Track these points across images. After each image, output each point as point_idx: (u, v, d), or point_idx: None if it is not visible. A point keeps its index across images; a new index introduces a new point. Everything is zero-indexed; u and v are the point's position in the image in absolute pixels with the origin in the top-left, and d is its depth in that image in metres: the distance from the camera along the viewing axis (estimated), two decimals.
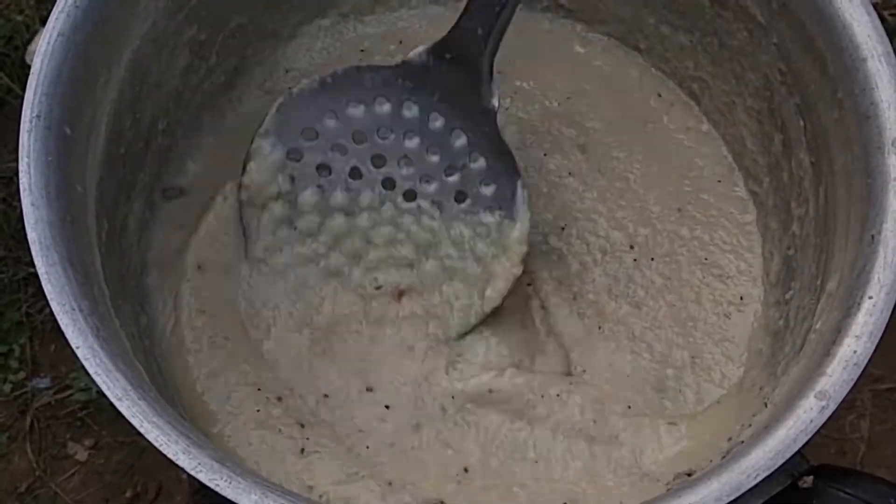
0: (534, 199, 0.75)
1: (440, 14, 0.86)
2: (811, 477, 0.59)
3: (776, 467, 0.55)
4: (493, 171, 0.70)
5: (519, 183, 0.70)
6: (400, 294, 0.74)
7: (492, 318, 0.73)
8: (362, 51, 0.84)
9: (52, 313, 0.56)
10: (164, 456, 0.54)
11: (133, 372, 0.57)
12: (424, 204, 0.73)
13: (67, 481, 1.12)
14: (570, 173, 0.79)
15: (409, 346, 0.73)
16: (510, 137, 0.78)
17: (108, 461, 1.13)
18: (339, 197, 0.73)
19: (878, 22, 0.64)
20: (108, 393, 0.54)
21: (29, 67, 0.62)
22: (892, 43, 0.64)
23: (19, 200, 0.59)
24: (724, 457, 0.61)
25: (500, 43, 0.68)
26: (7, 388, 1.15)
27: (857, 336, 0.58)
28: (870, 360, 0.57)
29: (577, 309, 0.76)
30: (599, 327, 0.75)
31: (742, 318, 0.76)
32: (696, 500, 0.54)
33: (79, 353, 0.55)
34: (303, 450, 0.69)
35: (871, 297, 0.58)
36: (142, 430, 0.53)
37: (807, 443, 0.56)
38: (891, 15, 1.32)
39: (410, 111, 0.71)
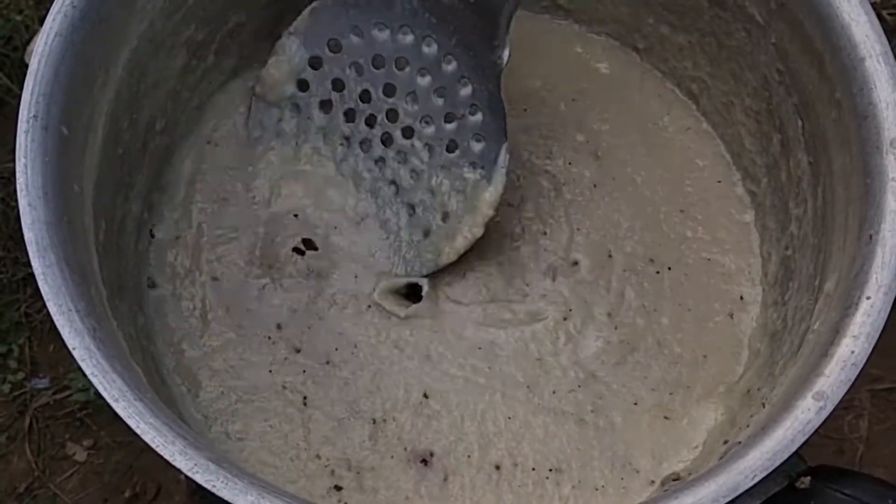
0: (554, 209, 0.78)
1: None
2: (809, 478, 0.59)
3: (774, 468, 0.55)
4: (487, 129, 0.72)
5: (504, 146, 0.71)
6: (361, 220, 0.77)
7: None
8: None
9: (50, 313, 0.56)
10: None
11: (130, 373, 0.57)
12: (418, 144, 0.75)
13: (66, 481, 1.12)
14: (594, 185, 0.80)
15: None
16: (533, 145, 0.80)
17: (107, 461, 1.13)
18: (341, 117, 0.76)
19: (876, 22, 0.64)
20: (104, 394, 0.54)
21: (29, 65, 0.62)
22: (890, 42, 0.64)
23: (18, 200, 0.59)
24: (721, 457, 0.61)
25: (520, 3, 0.69)
26: (6, 388, 1.15)
27: (854, 336, 0.58)
28: (868, 360, 0.57)
29: (592, 311, 0.76)
30: (616, 327, 0.75)
31: (744, 317, 0.76)
32: (694, 500, 0.54)
33: (75, 354, 0.55)
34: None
35: (868, 298, 0.58)
36: (138, 432, 0.53)
37: (804, 443, 0.56)
38: (889, 14, 1.32)
39: (429, 48, 0.72)
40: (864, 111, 0.63)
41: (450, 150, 0.74)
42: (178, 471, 0.54)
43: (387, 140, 0.76)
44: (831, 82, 0.66)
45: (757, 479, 0.55)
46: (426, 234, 0.75)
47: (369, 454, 0.70)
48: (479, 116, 0.72)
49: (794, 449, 0.55)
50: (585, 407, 0.72)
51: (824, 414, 0.56)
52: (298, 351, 0.73)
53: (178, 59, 0.75)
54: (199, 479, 0.53)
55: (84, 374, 0.55)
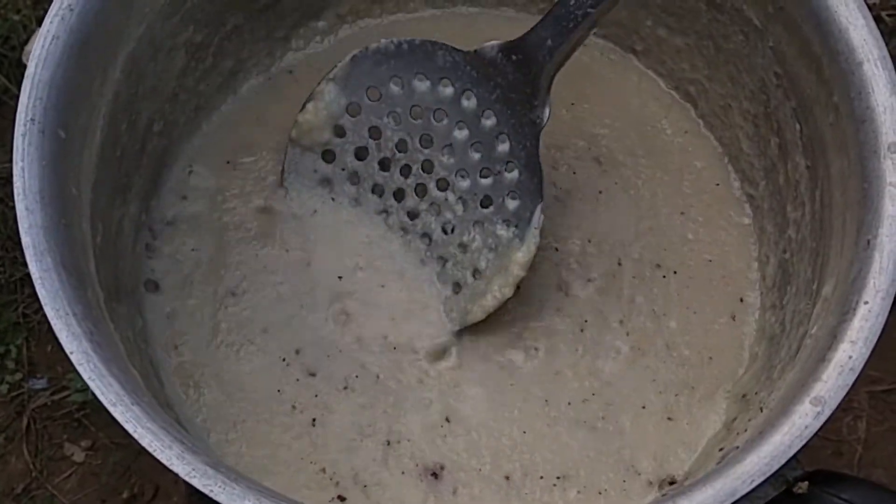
0: (564, 219, 0.77)
1: (437, 17, 0.86)
2: (807, 482, 0.59)
3: (771, 473, 0.55)
4: (522, 187, 0.71)
5: (539, 206, 0.70)
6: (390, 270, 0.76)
7: None
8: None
9: None
10: None
11: (127, 376, 0.57)
12: (452, 197, 0.74)
13: (64, 482, 1.12)
14: (600, 192, 0.80)
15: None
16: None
17: (105, 462, 1.13)
18: (375, 167, 0.76)
19: (873, 25, 0.64)
20: (101, 398, 0.54)
21: (26, 67, 0.62)
22: (889, 43, 0.64)
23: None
24: (719, 462, 0.61)
25: (565, 63, 0.69)
26: (4, 388, 1.15)
27: (852, 341, 0.58)
28: (866, 363, 0.57)
29: (607, 320, 0.76)
30: (627, 333, 0.75)
31: (745, 319, 0.77)
32: None
33: (72, 357, 0.55)
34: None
35: (866, 303, 0.58)
36: (135, 436, 0.53)
37: (802, 448, 0.56)
38: (889, 15, 1.32)
39: (469, 102, 0.72)
40: (862, 115, 0.63)
41: (484, 205, 0.73)
42: (174, 473, 0.54)
43: (420, 191, 0.75)
44: (829, 86, 0.66)
45: (755, 485, 0.55)
46: (456, 290, 0.74)
47: (379, 470, 0.70)
48: (515, 174, 0.71)
49: (791, 454, 0.55)
50: (598, 414, 0.72)
51: (822, 419, 0.56)
52: (313, 375, 0.72)
53: (176, 62, 0.75)
54: (196, 483, 0.53)
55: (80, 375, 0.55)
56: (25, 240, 0.57)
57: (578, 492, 0.69)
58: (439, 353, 0.73)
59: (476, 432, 0.71)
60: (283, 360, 0.73)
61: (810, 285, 0.68)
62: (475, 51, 0.71)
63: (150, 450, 0.53)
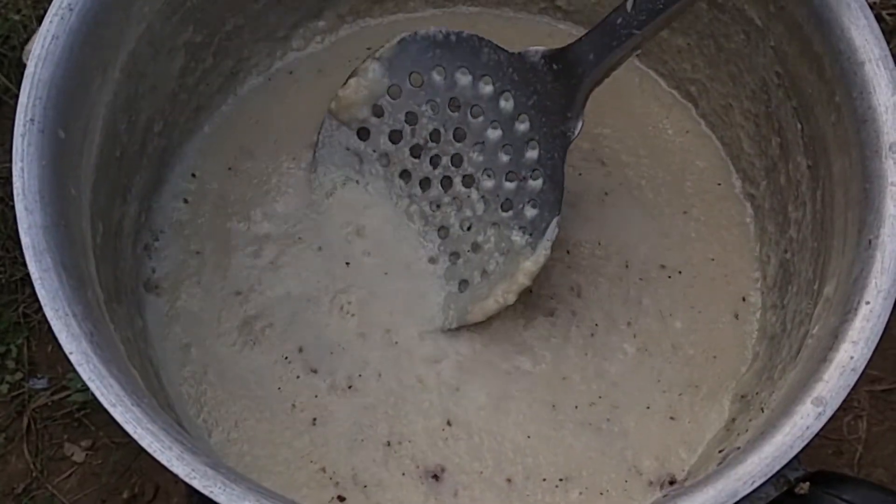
0: (574, 222, 0.78)
1: (437, 17, 0.87)
2: (808, 483, 0.59)
3: (772, 474, 0.55)
4: (544, 197, 0.71)
5: (556, 219, 0.70)
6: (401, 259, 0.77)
7: None
8: (368, 48, 0.84)
9: None
10: None
11: (127, 377, 0.57)
12: (475, 195, 0.74)
13: (64, 482, 1.12)
14: (606, 193, 0.80)
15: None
16: None
17: (106, 462, 1.13)
18: (407, 152, 0.76)
19: (875, 26, 0.64)
20: (101, 399, 0.54)
21: (26, 67, 0.62)
22: (890, 43, 0.64)
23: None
24: (720, 463, 0.61)
25: (603, 80, 0.69)
26: (4, 388, 1.14)
27: (854, 342, 0.57)
28: (868, 363, 0.57)
29: (615, 322, 0.76)
30: (634, 335, 0.75)
31: (748, 318, 0.77)
32: None
33: (72, 358, 0.55)
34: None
35: (868, 303, 0.58)
36: (135, 437, 0.53)
37: (804, 448, 0.56)
38: (889, 14, 1.32)
39: (506, 103, 0.72)
40: (864, 115, 0.63)
41: (504, 208, 0.73)
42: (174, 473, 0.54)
43: (446, 184, 0.75)
44: (830, 86, 0.66)
45: (756, 485, 0.55)
46: (462, 287, 0.74)
47: (379, 470, 0.70)
48: (539, 182, 0.71)
49: (793, 455, 0.55)
50: (603, 416, 0.72)
51: (823, 419, 0.56)
52: (315, 372, 0.73)
53: (176, 62, 0.75)
54: (196, 484, 0.53)
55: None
56: (25, 240, 0.57)
57: (580, 493, 0.69)
58: (436, 353, 0.73)
59: (479, 436, 0.71)
60: (286, 357, 0.73)
61: (811, 285, 0.68)
62: (519, 53, 0.70)
63: (151, 451, 0.53)
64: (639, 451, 0.71)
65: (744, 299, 0.77)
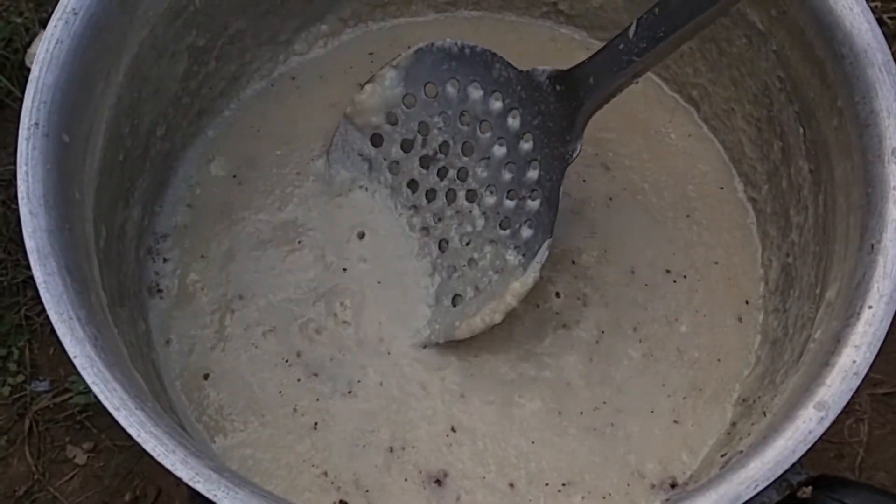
0: (580, 230, 0.78)
1: (439, 21, 0.87)
2: (810, 487, 0.59)
3: (775, 478, 0.55)
4: (539, 218, 0.71)
5: (547, 242, 0.70)
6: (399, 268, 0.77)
7: None
8: (371, 53, 0.85)
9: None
10: None
11: (131, 381, 0.57)
12: (476, 211, 0.74)
13: (66, 485, 1.12)
14: (610, 199, 0.80)
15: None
16: None
17: (108, 465, 1.13)
18: (416, 162, 0.76)
19: (878, 30, 0.64)
20: (105, 403, 0.54)
21: (29, 70, 0.62)
22: (891, 47, 0.64)
23: (19, 207, 0.59)
24: (722, 467, 0.61)
25: (604, 104, 0.69)
26: (6, 391, 1.14)
27: (856, 346, 0.58)
28: (870, 368, 0.57)
29: (621, 328, 0.76)
30: (640, 340, 0.75)
31: (750, 321, 0.77)
32: None
33: (76, 362, 0.55)
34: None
35: (870, 307, 0.58)
36: (139, 441, 0.53)
37: (806, 452, 0.56)
38: (890, 18, 1.32)
39: (514, 121, 0.72)
40: (866, 120, 0.63)
41: (503, 226, 0.73)
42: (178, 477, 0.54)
43: (451, 197, 0.75)
44: (833, 90, 0.66)
45: (758, 489, 0.55)
46: (455, 302, 0.74)
47: (381, 476, 0.70)
48: (536, 203, 0.71)
49: (795, 459, 0.55)
50: (608, 421, 0.72)
51: (826, 424, 0.56)
52: (316, 376, 0.73)
53: (179, 65, 0.75)
54: (200, 488, 0.53)
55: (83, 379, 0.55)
56: (29, 243, 0.57)
57: (583, 497, 0.69)
58: (440, 360, 0.73)
59: (482, 441, 0.71)
60: (286, 360, 0.73)
61: (813, 289, 0.68)
62: (527, 72, 0.71)
63: (154, 454, 0.53)
64: (642, 455, 0.71)
65: (747, 302, 0.77)
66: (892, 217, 0.60)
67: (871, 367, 0.57)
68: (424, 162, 0.76)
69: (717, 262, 0.78)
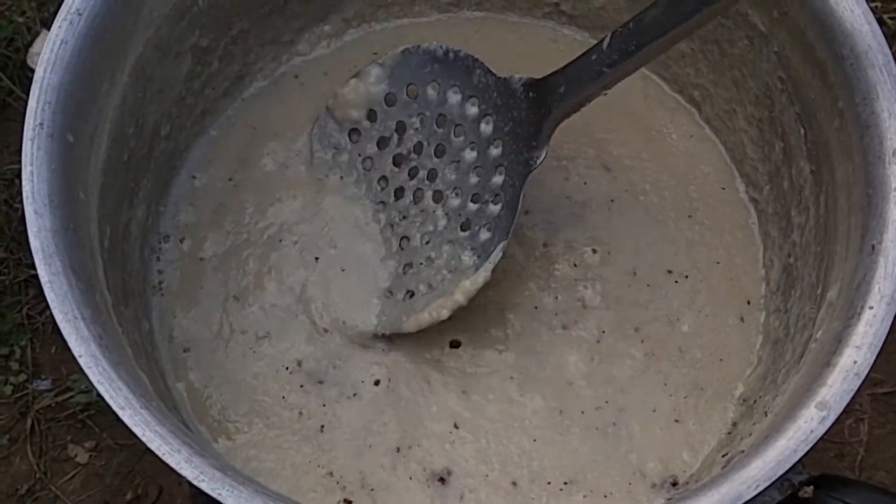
0: (581, 233, 0.79)
1: (442, 22, 0.87)
2: (812, 487, 0.59)
3: (777, 477, 0.55)
4: (498, 222, 0.72)
5: (503, 244, 0.71)
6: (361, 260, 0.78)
7: None
8: (374, 53, 0.85)
9: (53, 315, 0.56)
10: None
11: (135, 380, 0.57)
12: (440, 212, 0.75)
13: (68, 483, 1.12)
14: (612, 200, 0.80)
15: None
16: (550, 170, 0.80)
17: (109, 463, 1.13)
18: (390, 160, 0.77)
19: (879, 31, 0.64)
20: (110, 402, 0.54)
21: (30, 70, 0.62)
22: (891, 47, 0.65)
23: (21, 202, 0.59)
24: (724, 467, 0.61)
25: (571, 114, 0.70)
26: (8, 389, 1.14)
27: (857, 346, 0.58)
28: (871, 368, 0.58)
29: (623, 328, 0.76)
30: (642, 340, 0.76)
31: (752, 321, 0.77)
32: None
33: (81, 361, 0.55)
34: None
35: (871, 308, 0.59)
36: (144, 440, 0.54)
37: (807, 452, 0.56)
38: (890, 18, 1.32)
39: (486, 126, 0.73)
40: (867, 121, 0.63)
41: (463, 228, 0.74)
42: (182, 476, 0.54)
43: (418, 196, 0.76)
44: (834, 91, 0.66)
45: (760, 489, 0.55)
46: (406, 297, 0.74)
47: (386, 475, 0.70)
48: (498, 207, 0.72)
49: (796, 459, 0.55)
50: (610, 420, 0.73)
51: (827, 424, 0.56)
52: (321, 383, 0.73)
53: (183, 66, 0.75)
54: (204, 487, 0.53)
55: (88, 379, 0.55)
56: (34, 243, 0.57)
57: (585, 496, 0.70)
58: (442, 357, 0.74)
59: (485, 439, 0.71)
60: (286, 368, 0.73)
61: (815, 290, 0.68)
62: (505, 79, 0.72)
63: (159, 453, 0.54)
64: (643, 454, 0.71)
65: (748, 302, 0.77)
66: (892, 218, 0.60)
67: (871, 366, 0.58)
68: (397, 160, 0.77)
69: (718, 263, 0.78)
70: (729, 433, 0.72)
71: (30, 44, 1.25)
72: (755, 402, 0.70)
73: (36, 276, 0.57)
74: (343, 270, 0.76)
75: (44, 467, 1.13)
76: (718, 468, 0.64)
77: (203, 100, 0.79)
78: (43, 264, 0.57)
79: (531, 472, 0.70)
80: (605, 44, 0.66)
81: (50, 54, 0.62)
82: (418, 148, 0.76)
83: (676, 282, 0.78)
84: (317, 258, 0.77)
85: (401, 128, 0.77)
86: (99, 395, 0.55)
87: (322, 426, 0.71)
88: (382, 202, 0.77)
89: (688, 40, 0.80)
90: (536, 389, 0.73)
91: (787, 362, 0.67)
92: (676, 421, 0.73)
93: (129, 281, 0.70)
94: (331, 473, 0.70)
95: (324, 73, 0.84)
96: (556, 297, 0.76)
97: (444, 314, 0.72)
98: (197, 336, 0.74)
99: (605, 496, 0.70)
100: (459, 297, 0.72)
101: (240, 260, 0.77)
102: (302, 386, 0.72)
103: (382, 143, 0.78)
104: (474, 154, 0.74)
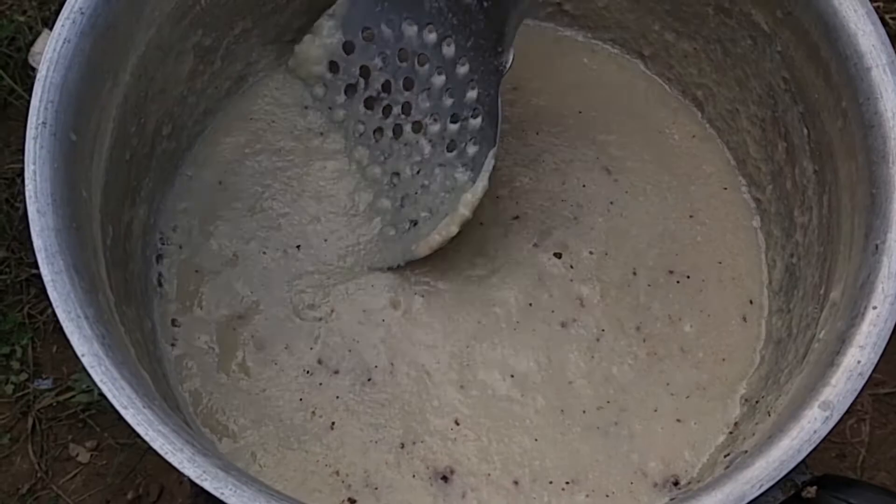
0: (577, 236, 0.78)
1: None
2: (815, 487, 0.59)
3: (780, 477, 0.55)
4: (483, 133, 0.73)
5: (492, 152, 0.72)
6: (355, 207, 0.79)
7: None
8: None
9: (54, 315, 0.56)
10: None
11: (138, 380, 0.57)
12: (423, 140, 0.77)
13: (69, 483, 1.12)
14: (611, 202, 0.80)
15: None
16: (547, 172, 0.81)
17: (110, 463, 1.13)
18: (361, 105, 0.79)
19: (882, 31, 0.64)
20: (113, 401, 0.54)
21: (32, 69, 0.62)
22: (894, 47, 0.64)
23: (22, 202, 0.59)
24: (727, 467, 0.61)
25: (529, 12, 0.71)
26: (9, 389, 1.15)
27: (861, 346, 0.58)
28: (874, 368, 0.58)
29: (623, 328, 0.76)
30: (644, 340, 0.76)
31: (754, 321, 0.77)
32: None
33: (84, 360, 0.55)
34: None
35: (874, 308, 0.58)
36: (147, 439, 0.54)
37: (810, 452, 0.56)
38: (892, 18, 1.32)
39: (448, 48, 0.74)
40: (871, 121, 0.63)
41: (449, 149, 0.75)
42: (184, 474, 0.54)
43: (397, 132, 0.78)
44: (837, 91, 0.66)
45: (763, 489, 0.55)
46: (410, 227, 0.75)
47: (391, 473, 0.70)
48: (479, 120, 0.73)
49: (800, 458, 0.55)
50: (611, 420, 0.73)
51: (831, 424, 0.56)
52: (336, 373, 0.73)
53: (185, 65, 0.75)
54: (207, 486, 0.53)
55: (89, 375, 0.55)
56: (37, 242, 0.57)
57: (586, 496, 0.70)
58: (443, 342, 0.74)
59: (487, 437, 0.71)
60: (307, 371, 0.73)
61: (818, 290, 0.68)
62: None
63: (162, 453, 0.54)
64: (645, 454, 0.71)
65: (751, 302, 0.77)
66: None
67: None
68: (369, 103, 0.79)
69: (720, 263, 0.78)
70: (731, 433, 0.72)
71: (31, 43, 1.25)
72: (758, 401, 0.70)
73: (37, 276, 0.57)
74: (332, 233, 0.77)
75: (45, 466, 1.13)
76: (721, 468, 0.64)
77: (205, 99, 0.79)
78: (46, 263, 0.57)
79: (533, 471, 0.70)
80: None
81: (53, 53, 0.62)
82: (387, 86, 0.78)
83: (678, 282, 0.77)
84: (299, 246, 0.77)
85: (365, 72, 0.78)
86: (100, 394, 0.54)
87: (333, 423, 0.71)
88: (364, 145, 0.79)
89: (691, 40, 0.80)
90: (539, 389, 0.73)
91: (790, 362, 0.67)
92: (678, 421, 0.73)
93: (132, 280, 0.70)
94: (337, 472, 0.70)
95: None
96: (551, 295, 0.76)
97: (454, 230, 0.73)
98: (200, 336, 0.74)
99: (607, 496, 0.70)
100: (464, 211, 0.72)
101: (237, 257, 0.77)
102: (321, 384, 0.73)
103: (350, 90, 0.80)
104: (443, 78, 0.75)
